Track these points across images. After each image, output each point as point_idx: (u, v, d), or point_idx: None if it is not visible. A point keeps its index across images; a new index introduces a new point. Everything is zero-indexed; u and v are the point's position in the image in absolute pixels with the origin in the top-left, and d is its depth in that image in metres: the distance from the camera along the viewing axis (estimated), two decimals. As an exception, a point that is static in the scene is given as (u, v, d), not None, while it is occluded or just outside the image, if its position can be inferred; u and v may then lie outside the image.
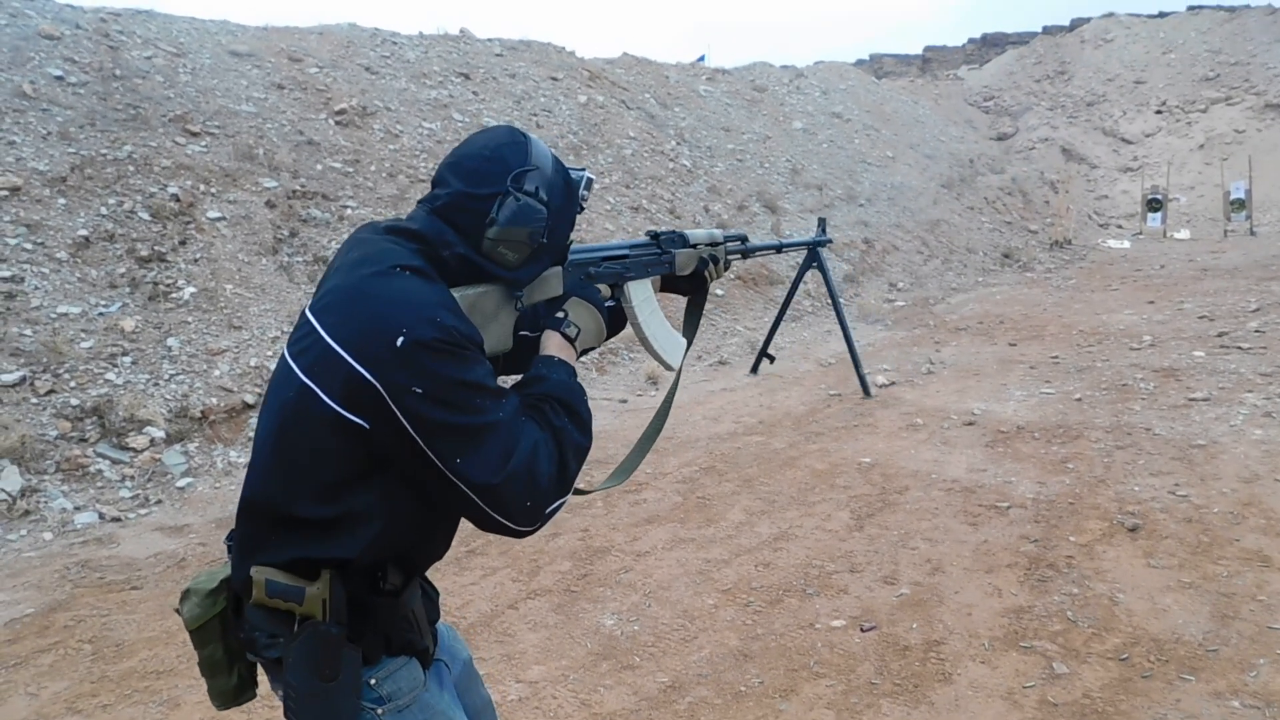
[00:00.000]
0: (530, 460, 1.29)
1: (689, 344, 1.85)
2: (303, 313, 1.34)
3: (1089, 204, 21.68)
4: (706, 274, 1.85)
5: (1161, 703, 2.87)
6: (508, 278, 1.43)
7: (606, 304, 1.64)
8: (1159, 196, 19.50)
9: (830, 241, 3.35)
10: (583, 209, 1.53)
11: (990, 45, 40.65)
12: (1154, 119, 25.02)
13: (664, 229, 1.77)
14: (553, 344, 1.49)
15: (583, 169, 1.52)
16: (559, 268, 1.56)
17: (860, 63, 39.12)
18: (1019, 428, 5.95)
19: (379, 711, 1.34)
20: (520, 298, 1.48)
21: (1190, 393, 6.32)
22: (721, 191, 12.65)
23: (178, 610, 1.39)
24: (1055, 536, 4.21)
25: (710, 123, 14.72)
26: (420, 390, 1.21)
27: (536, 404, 1.38)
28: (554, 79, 12.96)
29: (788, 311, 8.14)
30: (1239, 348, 7.51)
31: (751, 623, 3.59)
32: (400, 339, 1.20)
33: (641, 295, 1.71)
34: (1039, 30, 35.74)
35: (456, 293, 1.35)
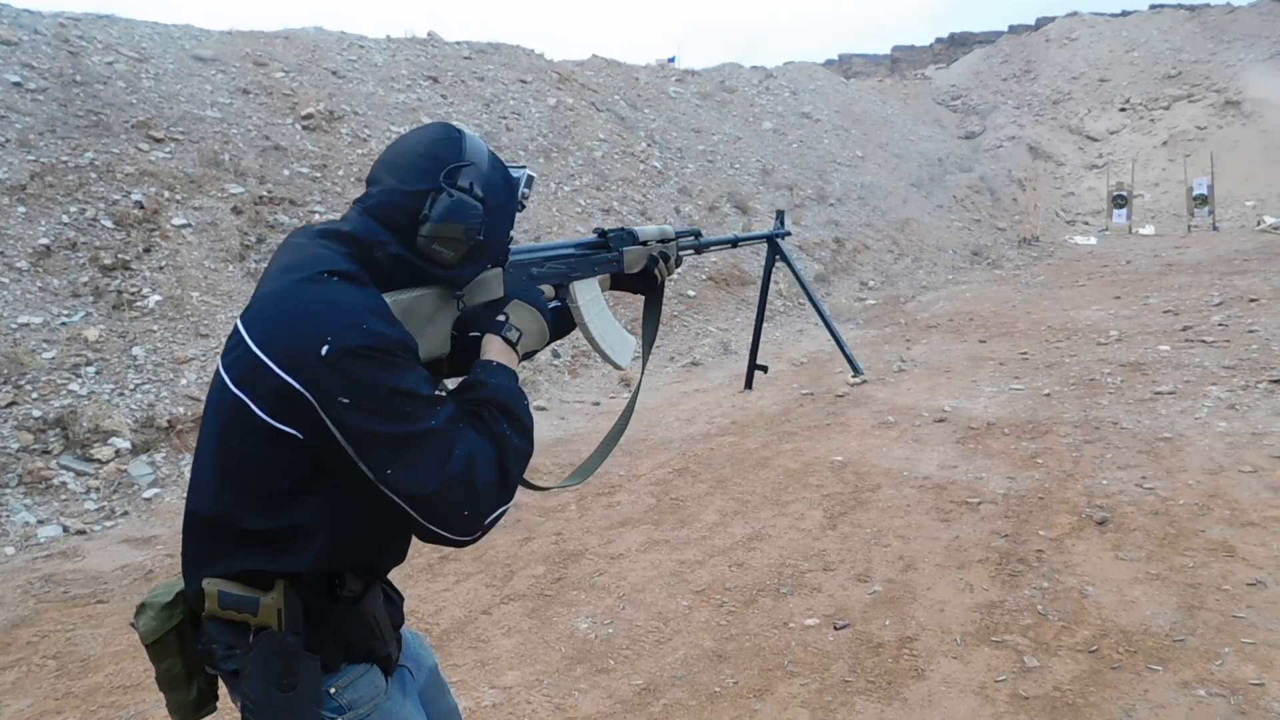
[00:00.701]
0: (467, 468, 1.25)
1: (651, 343, 1.84)
2: (236, 323, 1.31)
3: (1056, 201, 21.95)
4: (656, 271, 1.83)
5: (1130, 694, 2.90)
6: (446, 277, 1.40)
7: (551, 305, 1.62)
8: (1124, 193, 19.78)
9: (788, 234, 3.32)
10: (523, 207, 1.51)
11: (957, 45, 41.03)
12: (1118, 116, 25.38)
13: (613, 227, 1.75)
14: (493, 348, 1.45)
15: (523, 166, 1.50)
16: (499, 269, 1.53)
17: (829, 63, 39.35)
18: (989, 424, 6.01)
19: None
20: (461, 298, 1.45)
21: (1156, 386, 6.40)
22: (692, 193, 12.67)
23: (133, 624, 1.37)
24: (1025, 531, 4.25)
25: (681, 124, 14.74)
26: (348, 400, 1.18)
27: (475, 410, 1.34)
28: (523, 82, 12.93)
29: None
30: (1203, 341, 7.62)
31: (726, 623, 3.59)
32: (325, 347, 1.17)
33: (588, 295, 1.69)
34: (1005, 30, 36.13)
35: (390, 298, 1.32)
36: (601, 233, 1.77)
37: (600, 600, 3.84)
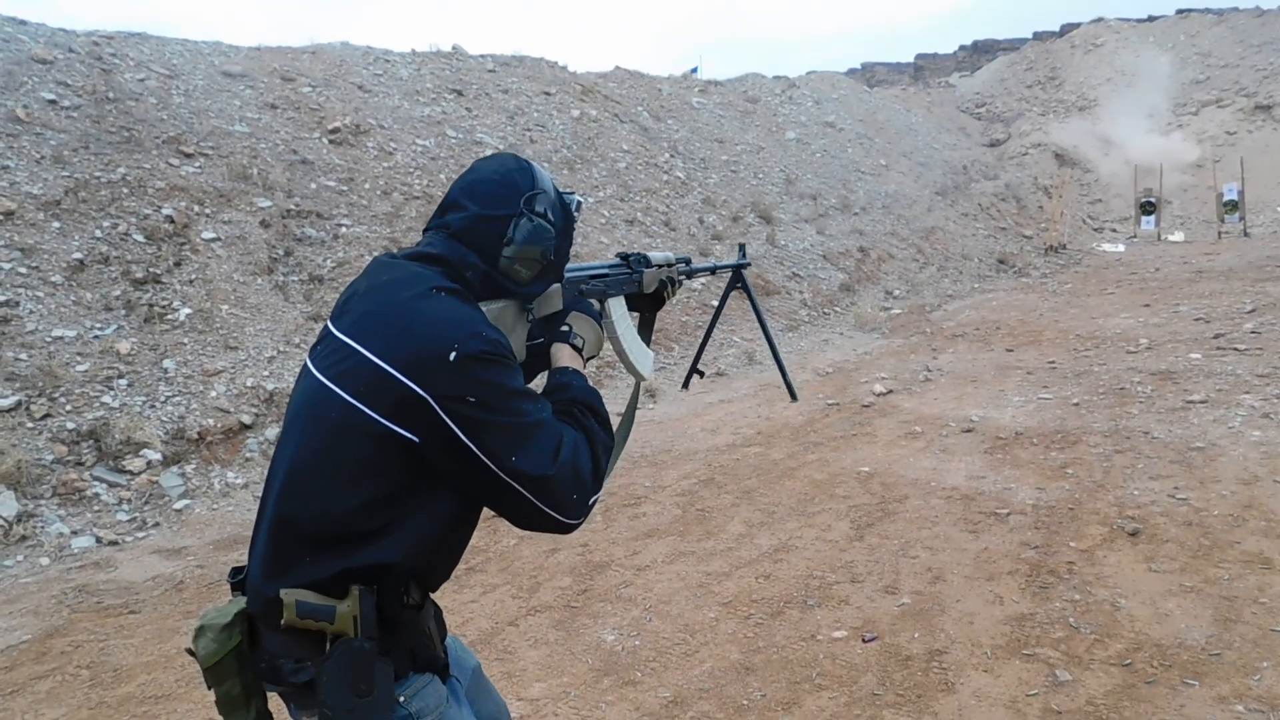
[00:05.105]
0: (574, 455, 1.39)
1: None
2: (327, 332, 1.42)
3: (1083, 208, 21.73)
4: (665, 293, 2.01)
5: (1165, 709, 2.86)
6: (522, 293, 1.54)
7: None
8: (1152, 200, 19.55)
9: (749, 265, 3.75)
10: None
11: (981, 52, 40.81)
12: (1146, 122, 25.09)
13: (632, 252, 1.97)
14: (564, 355, 1.61)
15: (572, 192, 1.64)
16: (559, 284, 1.67)
17: (852, 72, 39.26)
18: (1017, 434, 5.95)
19: None
20: (531, 310, 1.59)
21: (1188, 395, 6.31)
22: (716, 203, 12.67)
23: (190, 651, 1.39)
24: (1056, 543, 4.20)
25: (704, 134, 14.75)
26: (474, 399, 1.30)
27: (566, 408, 1.49)
28: (547, 94, 13.00)
29: (784, 322, 8.14)
30: (1235, 349, 7.51)
31: (753, 635, 3.57)
32: (453, 354, 1.30)
33: (619, 311, 1.85)
34: (1030, 36, 35.91)
35: (483, 307, 1.45)
36: (623, 256, 1.94)
37: (627, 612, 3.83)
